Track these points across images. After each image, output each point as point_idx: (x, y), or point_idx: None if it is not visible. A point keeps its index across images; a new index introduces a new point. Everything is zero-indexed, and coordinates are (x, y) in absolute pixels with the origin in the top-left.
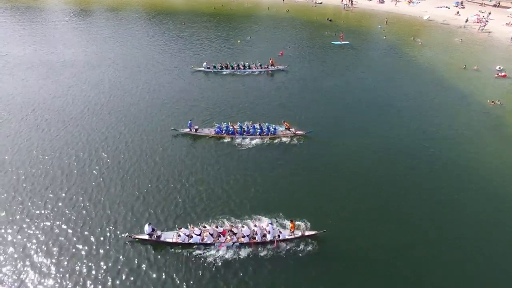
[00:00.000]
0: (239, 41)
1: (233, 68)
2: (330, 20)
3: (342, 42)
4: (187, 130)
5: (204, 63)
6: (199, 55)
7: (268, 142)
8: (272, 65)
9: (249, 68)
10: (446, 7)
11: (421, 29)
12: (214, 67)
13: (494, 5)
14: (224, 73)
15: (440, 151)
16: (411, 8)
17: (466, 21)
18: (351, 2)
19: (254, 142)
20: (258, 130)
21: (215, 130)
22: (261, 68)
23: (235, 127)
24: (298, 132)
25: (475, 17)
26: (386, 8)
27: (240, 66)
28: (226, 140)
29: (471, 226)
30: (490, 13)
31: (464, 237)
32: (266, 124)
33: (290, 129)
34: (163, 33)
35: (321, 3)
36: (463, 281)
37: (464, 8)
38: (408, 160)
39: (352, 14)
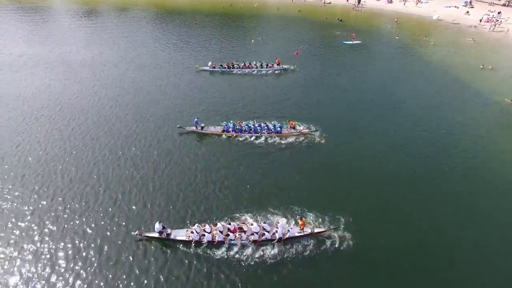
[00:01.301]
0: (253, 41)
1: (238, 67)
2: (341, 20)
3: (354, 42)
4: (193, 128)
5: (209, 63)
6: (210, 54)
7: (274, 140)
8: (278, 64)
9: (255, 67)
10: (455, 6)
11: (432, 29)
12: (221, 66)
13: (504, 4)
14: (229, 72)
15: (457, 150)
16: (420, 7)
17: (481, 20)
18: (359, 1)
19: (260, 140)
20: (265, 129)
21: (221, 128)
22: (267, 67)
23: (241, 125)
24: (304, 130)
25: (485, 16)
26: (394, 7)
27: (246, 65)
28: (233, 138)
29: (484, 227)
30: (500, 12)
31: (478, 238)
32: (272, 122)
33: (296, 128)
34: (173, 32)
35: (329, 3)
36: (466, 281)
37: (473, 7)
38: (421, 159)
39: (361, 14)
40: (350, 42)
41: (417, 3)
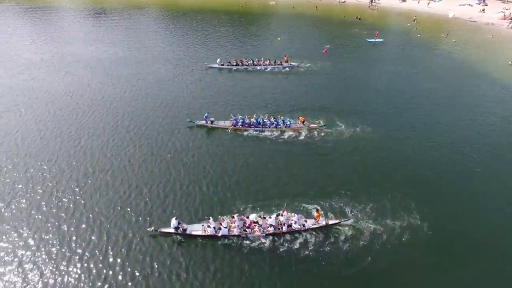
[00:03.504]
0: (278, 39)
1: (247, 64)
2: (359, 19)
3: (377, 40)
4: (203, 122)
5: (218, 60)
6: (234, 52)
7: (283, 134)
8: (286, 61)
9: (263, 64)
10: (469, 4)
11: (450, 27)
12: (229, 63)
13: None
14: (238, 69)
15: (495, 146)
16: (434, 6)
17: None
18: (372, 0)
19: (269, 134)
20: (274, 123)
21: (230, 123)
22: (275, 64)
23: (250, 119)
24: (312, 125)
25: (501, 14)
26: (409, 6)
27: (254, 62)
28: (242, 133)
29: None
30: None
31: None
32: (281, 117)
33: (305, 123)
34: (197, 30)
35: (344, 1)
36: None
37: (486, 5)
38: (442, 155)
39: (377, 12)
40: (373, 40)
41: (428, 3)
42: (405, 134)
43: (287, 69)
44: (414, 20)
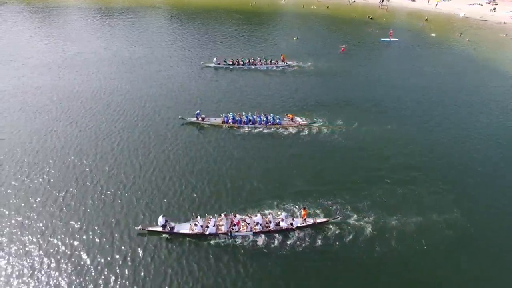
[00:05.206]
0: (295, 38)
1: (243, 63)
2: (371, 18)
3: (391, 39)
4: (194, 119)
5: (214, 59)
6: (253, 51)
7: (273, 131)
8: (283, 61)
9: (260, 64)
10: (479, 4)
11: (462, 26)
12: (225, 62)
13: None
14: (234, 68)
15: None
16: (444, 6)
17: None
18: (382, 0)
19: (259, 131)
20: (264, 120)
21: (221, 119)
22: (271, 64)
23: (241, 116)
24: (302, 122)
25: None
26: (418, 6)
27: (251, 62)
28: (232, 130)
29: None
30: None
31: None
32: (272, 115)
33: (294, 120)
34: (207, 29)
35: (354, 1)
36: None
37: (497, 4)
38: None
39: (388, 12)
40: (388, 40)
41: (436, 4)
42: (406, 133)
43: (286, 67)
44: (426, 20)
